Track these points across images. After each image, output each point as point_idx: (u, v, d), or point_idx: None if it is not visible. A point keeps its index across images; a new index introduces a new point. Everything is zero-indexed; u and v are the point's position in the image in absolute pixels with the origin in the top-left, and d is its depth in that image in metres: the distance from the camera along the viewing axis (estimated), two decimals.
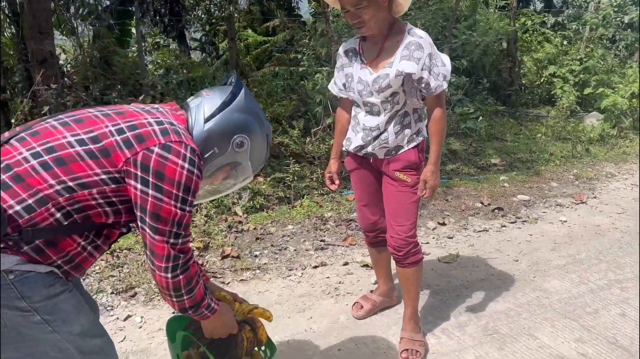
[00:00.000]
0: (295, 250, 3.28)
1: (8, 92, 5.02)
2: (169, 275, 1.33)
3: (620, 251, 3.40)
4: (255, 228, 3.52)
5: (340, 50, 2.24)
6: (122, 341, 2.34)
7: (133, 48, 7.10)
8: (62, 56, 6.65)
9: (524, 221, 3.94)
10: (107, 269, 2.89)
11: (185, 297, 1.38)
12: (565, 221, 3.94)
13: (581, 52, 8.53)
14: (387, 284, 2.64)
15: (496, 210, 4.11)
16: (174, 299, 1.38)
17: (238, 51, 6.96)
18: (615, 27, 9.17)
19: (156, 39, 9.00)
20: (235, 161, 1.46)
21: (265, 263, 3.09)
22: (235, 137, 1.42)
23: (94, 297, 2.63)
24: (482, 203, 4.24)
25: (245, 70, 6.81)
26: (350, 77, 2.18)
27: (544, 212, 4.14)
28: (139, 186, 1.27)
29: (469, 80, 6.57)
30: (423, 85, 2.05)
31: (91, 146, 1.26)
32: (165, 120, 1.34)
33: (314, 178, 4.35)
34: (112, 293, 2.66)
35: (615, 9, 8.96)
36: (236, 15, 8.29)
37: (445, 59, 2.08)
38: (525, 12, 9.53)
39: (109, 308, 2.55)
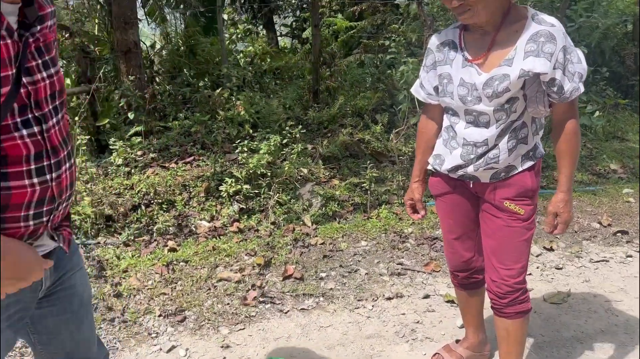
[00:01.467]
0: (367, 273, 2.84)
1: (98, 83, 5.04)
2: None
3: None
4: (323, 243, 3.13)
5: (432, 43, 1.74)
6: None
7: (225, 35, 6.98)
8: (157, 45, 6.67)
9: None
10: (160, 285, 2.65)
11: None
12: None
13: None
14: (477, 335, 2.12)
15: (619, 234, 3.35)
16: None
17: (322, 38, 6.56)
18: None
19: (247, 25, 8.88)
20: None
21: (331, 289, 2.68)
22: None
23: (140, 319, 2.40)
24: (600, 223, 3.49)
25: (328, 59, 6.40)
26: (447, 78, 1.68)
27: None
28: None
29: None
30: (555, 88, 1.54)
31: None
32: None
33: (395, 183, 3.86)
34: (159, 315, 2.41)
35: None
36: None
37: (580, 53, 1.54)
38: None
39: (153, 335, 2.29)
